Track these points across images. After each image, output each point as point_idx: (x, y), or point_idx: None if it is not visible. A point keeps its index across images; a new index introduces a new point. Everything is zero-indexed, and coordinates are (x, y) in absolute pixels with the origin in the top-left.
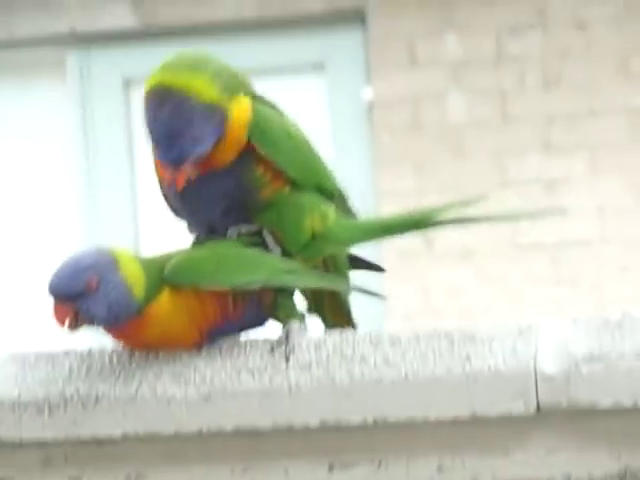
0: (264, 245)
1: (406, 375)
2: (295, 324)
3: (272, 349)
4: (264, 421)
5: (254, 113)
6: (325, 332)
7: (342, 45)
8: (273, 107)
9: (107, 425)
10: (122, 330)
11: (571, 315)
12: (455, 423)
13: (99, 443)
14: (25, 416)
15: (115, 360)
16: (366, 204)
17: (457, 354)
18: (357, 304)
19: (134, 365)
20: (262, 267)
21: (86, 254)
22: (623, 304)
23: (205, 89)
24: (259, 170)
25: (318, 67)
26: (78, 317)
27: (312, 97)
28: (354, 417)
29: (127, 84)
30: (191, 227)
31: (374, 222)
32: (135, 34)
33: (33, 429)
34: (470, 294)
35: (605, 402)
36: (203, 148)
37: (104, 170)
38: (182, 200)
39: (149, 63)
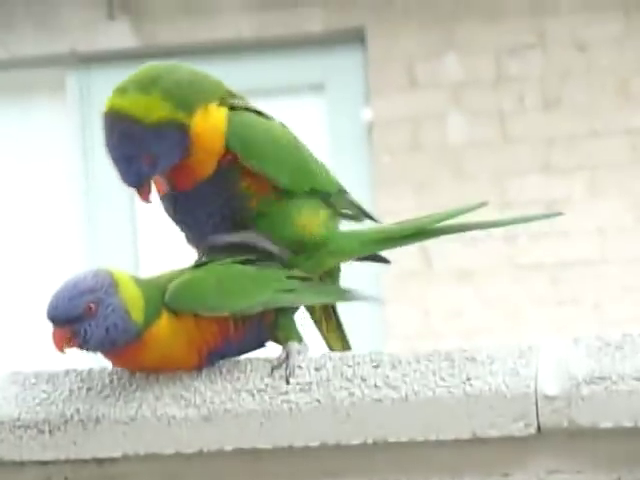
0: (264, 252)
1: (406, 396)
2: (295, 345)
3: (272, 370)
4: (264, 442)
5: (230, 122)
6: (325, 352)
7: (341, 66)
8: (258, 112)
9: (107, 445)
10: (120, 354)
11: (572, 335)
12: (456, 444)
13: (99, 463)
14: (26, 436)
15: (115, 380)
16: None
17: (457, 375)
18: (357, 325)
19: (134, 386)
20: (263, 288)
21: (85, 277)
22: (624, 324)
23: (154, 108)
24: (245, 180)
25: (317, 88)
26: (76, 341)
27: (312, 118)
28: (354, 438)
29: None
30: (189, 241)
31: (375, 231)
32: (135, 54)
33: (34, 449)
34: (470, 315)
35: (606, 423)
36: (161, 165)
37: (104, 190)
38: (175, 214)
39: None
